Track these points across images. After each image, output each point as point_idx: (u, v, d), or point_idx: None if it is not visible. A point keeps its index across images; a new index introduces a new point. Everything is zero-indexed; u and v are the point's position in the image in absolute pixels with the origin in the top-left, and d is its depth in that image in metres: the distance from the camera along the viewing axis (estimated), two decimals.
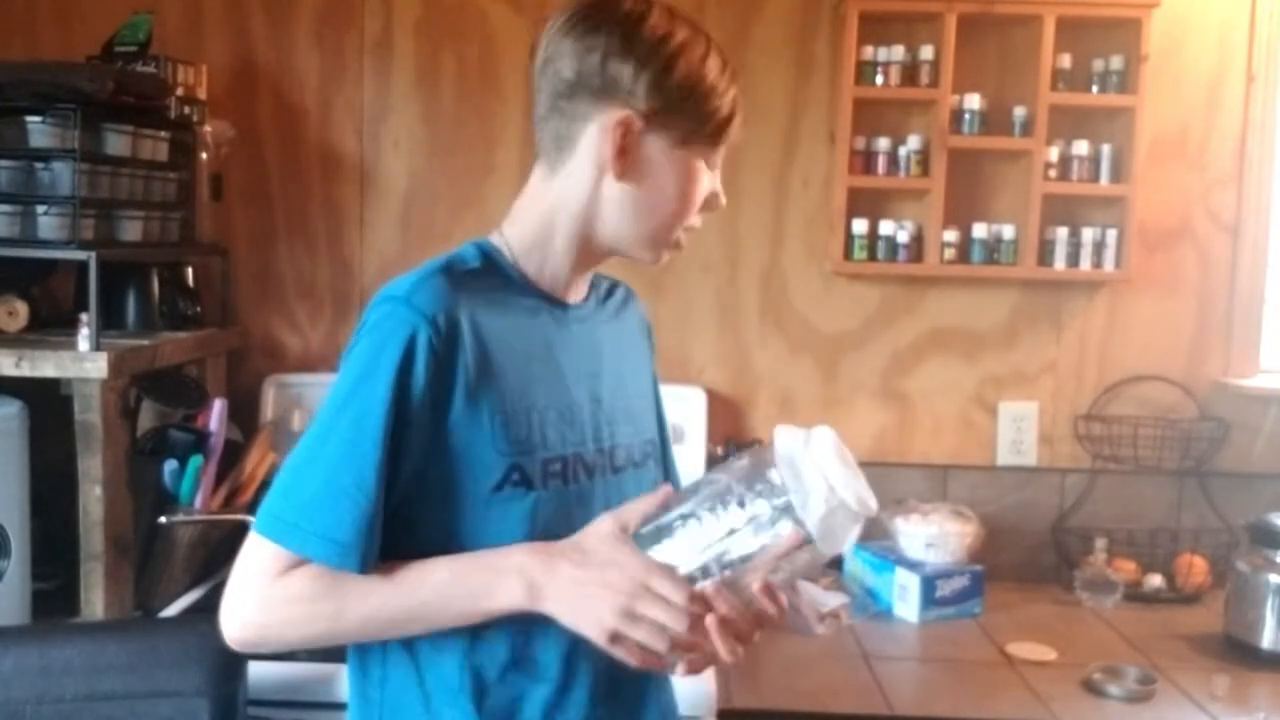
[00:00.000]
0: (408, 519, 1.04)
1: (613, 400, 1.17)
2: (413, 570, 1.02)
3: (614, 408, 1.16)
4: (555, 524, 1.06)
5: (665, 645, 0.97)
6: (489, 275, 1.10)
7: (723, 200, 1.14)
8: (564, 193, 1.11)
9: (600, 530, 1.03)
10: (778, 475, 0.97)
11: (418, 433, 1.02)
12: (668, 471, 1.29)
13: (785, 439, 1.00)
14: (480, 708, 1.06)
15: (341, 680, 1.53)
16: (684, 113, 1.07)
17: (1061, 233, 2.18)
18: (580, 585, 0.99)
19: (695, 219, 1.13)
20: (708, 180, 1.12)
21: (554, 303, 1.14)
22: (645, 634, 0.97)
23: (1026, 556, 2.27)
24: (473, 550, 1.04)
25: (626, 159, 1.07)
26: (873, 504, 0.98)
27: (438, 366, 1.01)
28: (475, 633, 1.05)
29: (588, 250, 1.13)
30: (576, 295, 1.17)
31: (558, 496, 1.08)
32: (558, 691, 1.08)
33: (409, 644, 1.07)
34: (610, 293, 1.25)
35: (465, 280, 1.07)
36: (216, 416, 1.90)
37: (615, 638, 0.98)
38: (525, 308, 1.11)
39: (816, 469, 0.96)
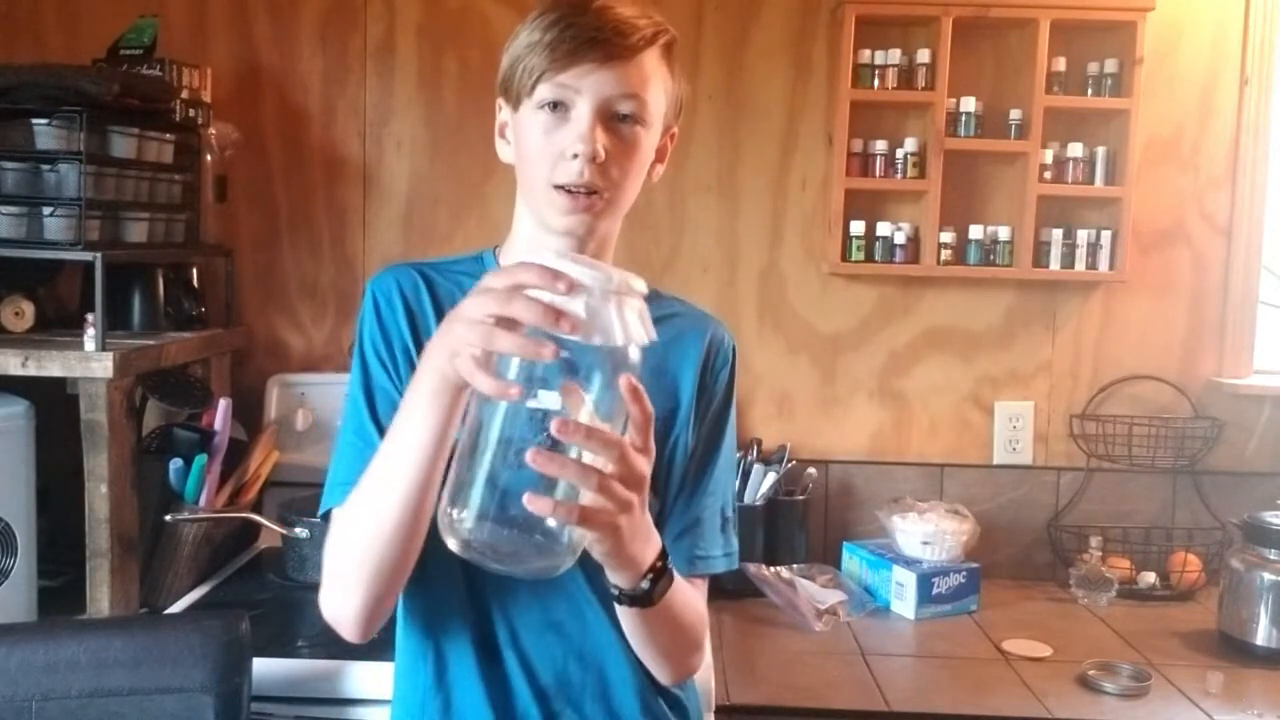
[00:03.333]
0: None
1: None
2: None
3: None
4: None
5: (490, 339, 0.86)
6: (468, 273, 1.18)
7: (582, 145, 1.06)
8: None
9: None
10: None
11: (390, 388, 1.13)
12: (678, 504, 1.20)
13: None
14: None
15: (345, 676, 1.56)
16: (509, 83, 1.12)
17: (1056, 234, 2.19)
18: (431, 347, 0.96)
19: (563, 172, 1.08)
20: (553, 132, 1.08)
21: None
22: (474, 339, 0.87)
23: (1022, 554, 2.28)
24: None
25: (502, 140, 1.17)
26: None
27: (384, 328, 1.15)
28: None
29: (539, 232, 1.14)
30: None
31: None
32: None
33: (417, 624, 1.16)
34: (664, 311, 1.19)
35: (437, 271, 1.18)
36: (221, 416, 1.91)
37: (457, 357, 0.89)
38: None
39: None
